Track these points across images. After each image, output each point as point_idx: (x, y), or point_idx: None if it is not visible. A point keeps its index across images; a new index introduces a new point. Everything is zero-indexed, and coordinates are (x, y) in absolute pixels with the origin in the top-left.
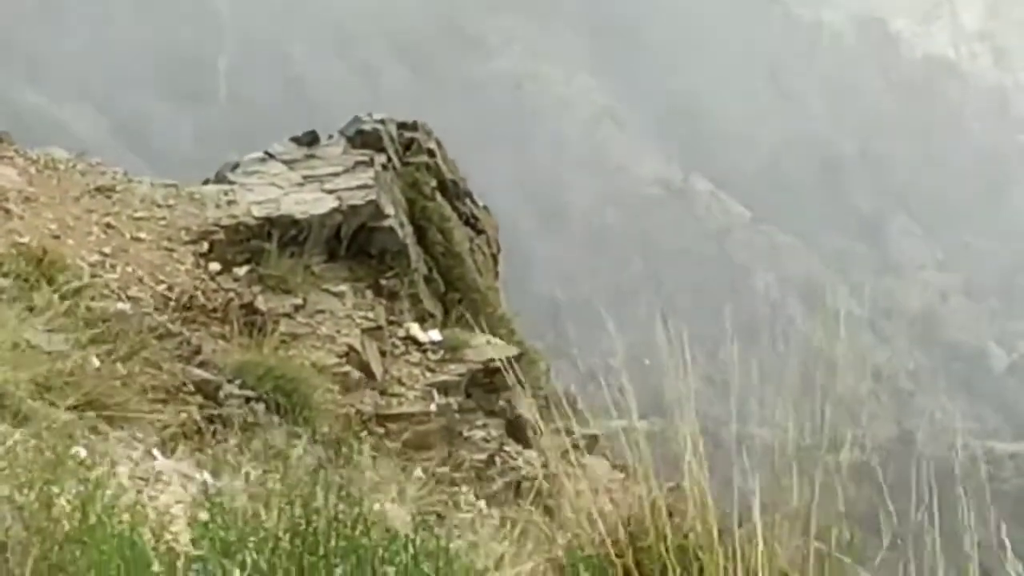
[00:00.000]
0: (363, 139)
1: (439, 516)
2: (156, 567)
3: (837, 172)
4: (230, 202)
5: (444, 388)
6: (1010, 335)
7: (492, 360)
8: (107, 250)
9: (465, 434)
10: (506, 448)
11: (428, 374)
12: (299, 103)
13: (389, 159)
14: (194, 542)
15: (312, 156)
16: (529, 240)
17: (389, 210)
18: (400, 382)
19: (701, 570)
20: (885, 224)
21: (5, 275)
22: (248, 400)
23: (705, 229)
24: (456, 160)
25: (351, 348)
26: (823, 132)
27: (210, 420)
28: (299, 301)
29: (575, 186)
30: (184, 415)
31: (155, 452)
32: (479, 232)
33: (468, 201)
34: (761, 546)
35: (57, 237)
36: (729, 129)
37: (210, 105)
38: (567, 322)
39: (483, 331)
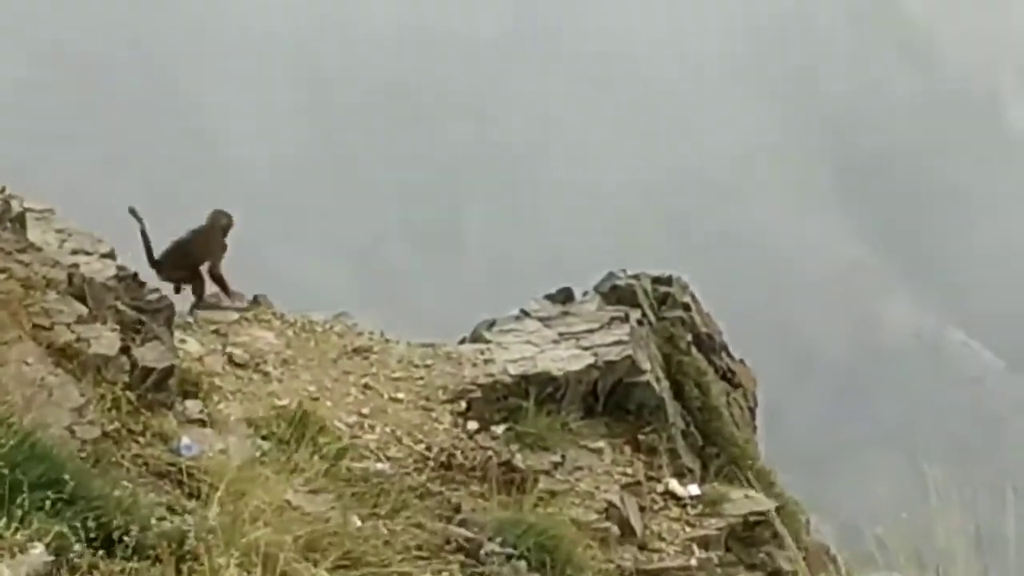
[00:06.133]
0: (617, 295)
1: None
2: None
3: None
4: (487, 360)
5: (704, 542)
6: None
7: (752, 514)
8: (365, 411)
9: None
10: None
11: (688, 529)
12: (546, 252)
13: (644, 314)
14: None
15: (567, 313)
16: (782, 389)
17: (645, 365)
18: (660, 537)
19: None
20: None
21: (266, 438)
22: (509, 558)
23: (957, 378)
24: (711, 312)
25: (610, 504)
26: None
27: None
28: (557, 458)
29: (826, 336)
30: (446, 574)
31: None
32: (736, 386)
33: (724, 355)
34: None
35: (316, 399)
36: (981, 274)
37: (459, 259)
38: (823, 473)
39: (742, 485)
